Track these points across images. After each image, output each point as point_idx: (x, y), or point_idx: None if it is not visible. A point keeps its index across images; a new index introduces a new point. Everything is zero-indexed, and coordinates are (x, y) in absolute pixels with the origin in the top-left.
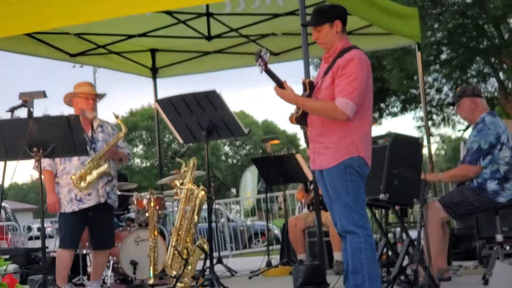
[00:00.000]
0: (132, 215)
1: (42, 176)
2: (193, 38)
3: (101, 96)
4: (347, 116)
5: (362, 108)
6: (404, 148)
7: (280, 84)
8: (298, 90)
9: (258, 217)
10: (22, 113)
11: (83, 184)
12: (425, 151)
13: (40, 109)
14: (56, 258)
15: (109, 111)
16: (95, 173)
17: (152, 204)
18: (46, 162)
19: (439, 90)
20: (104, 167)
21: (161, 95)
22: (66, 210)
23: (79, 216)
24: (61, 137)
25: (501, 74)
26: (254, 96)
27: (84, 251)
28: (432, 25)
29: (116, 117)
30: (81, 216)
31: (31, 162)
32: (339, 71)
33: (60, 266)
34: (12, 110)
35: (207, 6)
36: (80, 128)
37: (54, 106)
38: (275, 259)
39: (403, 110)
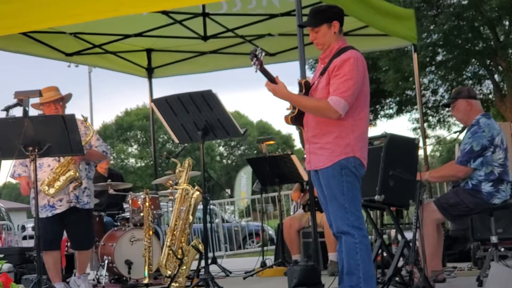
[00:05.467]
0: (127, 214)
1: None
2: (189, 38)
3: (67, 98)
4: (339, 115)
5: (357, 108)
6: (400, 149)
7: (273, 82)
8: (294, 90)
9: (253, 218)
10: (18, 112)
11: (51, 190)
12: (420, 152)
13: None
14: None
15: (105, 110)
16: (62, 179)
17: (147, 204)
18: (21, 169)
19: (434, 92)
20: (70, 172)
21: (157, 95)
22: (41, 215)
23: (54, 219)
24: (57, 136)
25: (496, 76)
26: (249, 96)
27: None
28: (428, 27)
29: (85, 119)
30: (57, 219)
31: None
32: (334, 71)
33: (47, 268)
34: (7, 109)
35: (204, 6)
36: (76, 127)
37: None
38: (270, 259)
39: (399, 111)
